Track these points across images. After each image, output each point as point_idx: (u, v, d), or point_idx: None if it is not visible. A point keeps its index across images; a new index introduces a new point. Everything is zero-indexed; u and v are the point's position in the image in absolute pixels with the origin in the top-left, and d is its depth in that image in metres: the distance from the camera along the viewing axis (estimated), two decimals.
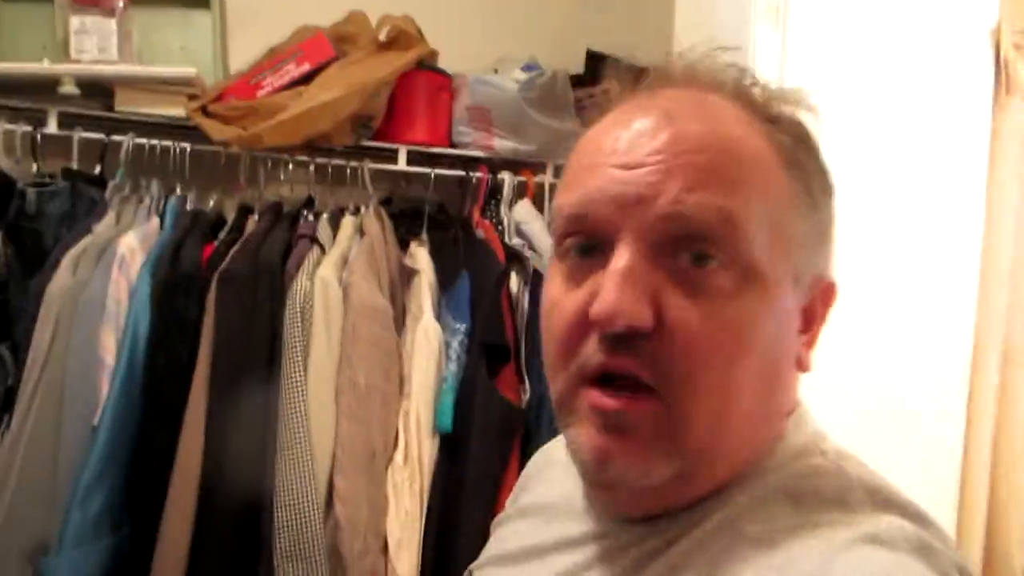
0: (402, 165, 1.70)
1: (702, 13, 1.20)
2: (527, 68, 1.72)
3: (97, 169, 1.53)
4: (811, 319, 0.51)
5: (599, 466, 0.46)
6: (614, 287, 0.44)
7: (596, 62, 1.92)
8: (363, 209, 1.65)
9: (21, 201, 1.39)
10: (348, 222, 1.61)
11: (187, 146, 1.55)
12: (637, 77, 0.52)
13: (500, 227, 1.72)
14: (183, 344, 1.38)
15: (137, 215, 1.50)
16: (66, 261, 1.34)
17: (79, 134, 1.51)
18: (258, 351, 1.40)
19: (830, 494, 0.47)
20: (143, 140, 1.54)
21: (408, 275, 1.62)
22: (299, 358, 1.41)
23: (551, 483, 0.63)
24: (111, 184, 1.51)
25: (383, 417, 1.47)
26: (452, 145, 1.75)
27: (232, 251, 1.46)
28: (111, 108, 1.54)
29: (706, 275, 0.45)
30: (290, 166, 1.63)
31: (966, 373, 1.29)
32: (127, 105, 1.53)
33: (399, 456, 1.48)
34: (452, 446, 1.50)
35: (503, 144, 1.71)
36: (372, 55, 1.58)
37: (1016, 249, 1.27)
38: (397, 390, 1.50)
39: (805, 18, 1.09)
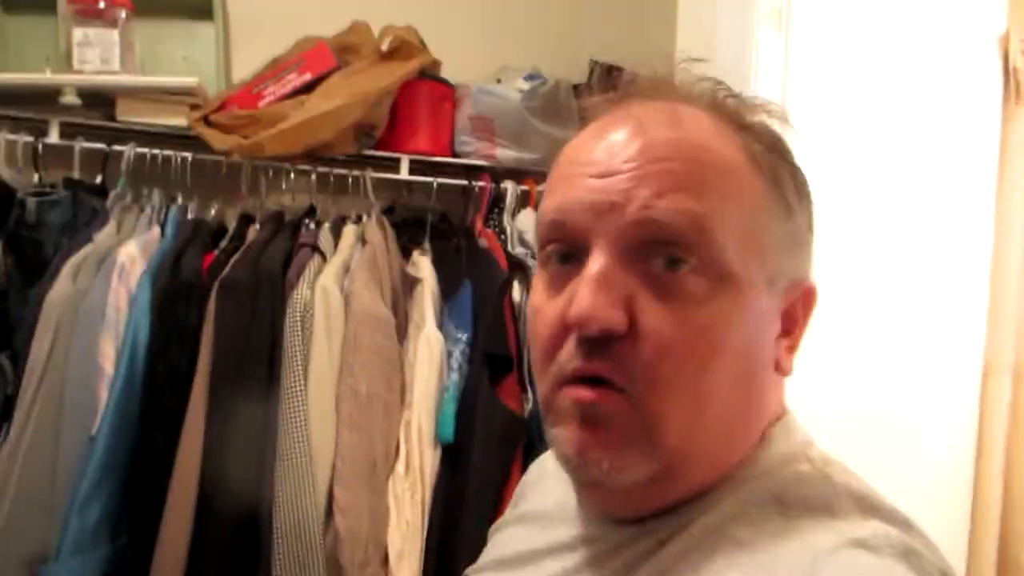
0: (404, 174, 1.69)
1: (704, 19, 1.19)
2: (530, 77, 1.72)
3: (99, 179, 1.53)
4: (791, 323, 0.52)
5: (578, 458, 0.47)
6: (588, 292, 0.45)
7: (599, 71, 1.92)
8: (365, 218, 1.64)
9: (21, 210, 1.39)
10: (350, 231, 1.61)
11: (188, 155, 1.55)
12: (616, 90, 0.54)
13: (503, 236, 1.72)
14: (183, 353, 1.37)
15: (138, 224, 1.49)
16: (66, 270, 1.34)
17: (81, 144, 1.51)
18: (258, 360, 1.40)
19: (816, 500, 0.47)
20: (144, 150, 1.54)
21: (410, 284, 1.61)
22: (299, 367, 1.40)
23: (546, 492, 0.64)
24: (112, 193, 1.51)
25: (384, 427, 1.45)
26: (454, 154, 1.75)
27: (233, 259, 1.46)
28: (113, 118, 1.54)
29: (678, 279, 0.46)
30: (292, 175, 1.62)
31: (977, 386, 1.27)
32: (128, 115, 1.53)
33: (400, 466, 1.47)
34: (453, 456, 1.48)
35: (505, 153, 1.70)
36: (374, 65, 1.58)
37: None
38: (399, 399, 1.49)
39: (808, 23, 1.08)
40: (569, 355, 0.47)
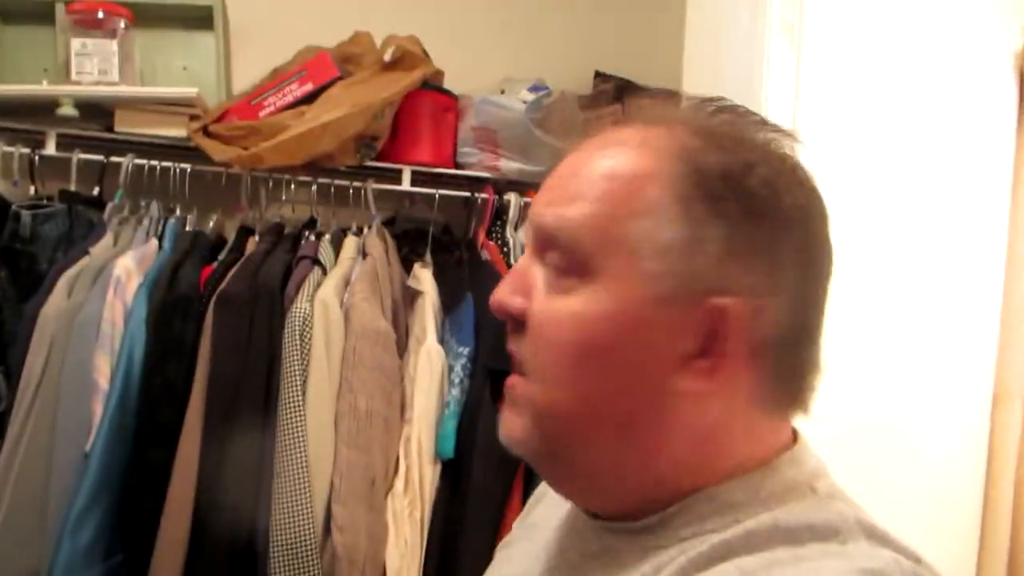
0: (406, 185, 1.67)
1: (714, 31, 1.17)
2: (534, 88, 1.70)
3: (96, 191, 1.52)
4: (710, 343, 0.47)
5: (503, 438, 0.53)
6: (503, 282, 0.53)
7: (604, 83, 1.90)
8: (366, 230, 1.62)
9: (15, 224, 1.37)
10: (350, 243, 1.59)
11: (187, 167, 1.53)
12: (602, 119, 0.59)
13: (505, 248, 1.69)
14: (179, 368, 1.35)
15: (136, 236, 1.48)
16: (61, 283, 1.32)
17: (78, 156, 1.49)
18: (256, 375, 1.37)
19: (825, 529, 0.46)
20: (143, 161, 1.52)
21: (412, 297, 1.59)
22: (298, 382, 1.38)
23: (554, 503, 0.64)
24: (110, 206, 1.49)
25: (384, 443, 1.43)
26: (457, 166, 1.73)
27: (231, 272, 1.44)
28: (111, 129, 1.53)
29: (556, 275, 0.51)
30: (292, 186, 1.60)
31: (987, 412, 1.24)
32: (126, 126, 1.51)
33: (399, 483, 1.44)
34: (454, 473, 1.46)
35: (509, 165, 1.68)
36: (377, 75, 1.56)
37: None
38: (399, 415, 1.47)
39: (821, 36, 1.05)
40: None
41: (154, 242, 1.47)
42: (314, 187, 1.62)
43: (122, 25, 1.51)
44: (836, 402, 1.07)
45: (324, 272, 1.52)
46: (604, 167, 0.50)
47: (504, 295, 0.52)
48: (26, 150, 1.47)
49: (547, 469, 0.54)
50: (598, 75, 1.92)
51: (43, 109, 1.47)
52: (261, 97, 1.55)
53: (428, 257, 1.66)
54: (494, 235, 1.72)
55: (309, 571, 1.31)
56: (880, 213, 1.17)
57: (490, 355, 1.49)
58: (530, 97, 1.67)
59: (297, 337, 1.39)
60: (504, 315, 0.52)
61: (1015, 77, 1.21)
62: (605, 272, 0.48)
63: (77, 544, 1.23)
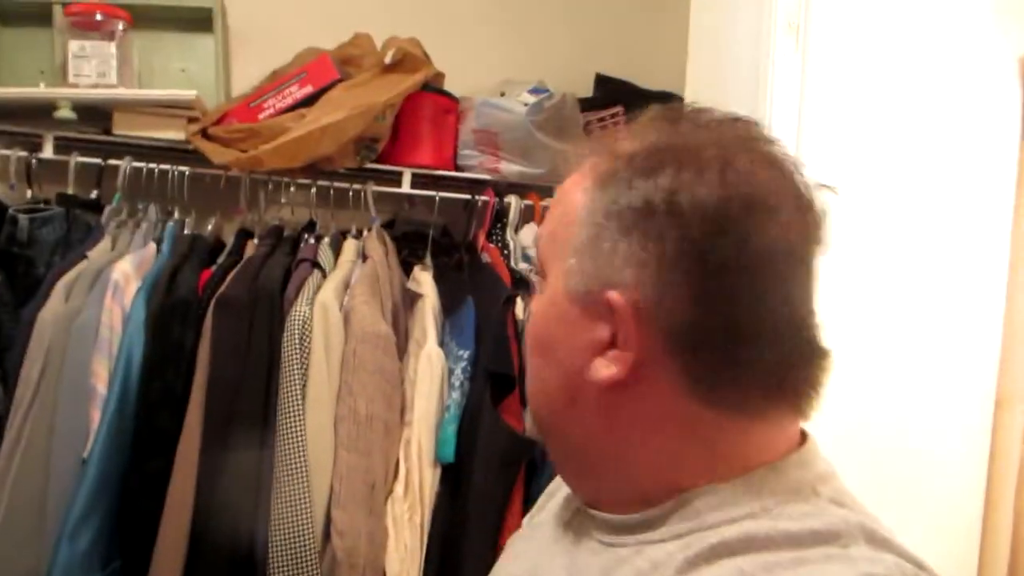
0: (406, 188, 1.67)
1: (718, 32, 1.16)
2: (535, 91, 1.69)
3: (94, 194, 1.51)
4: (616, 333, 0.51)
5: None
6: None
7: (605, 85, 1.89)
8: (365, 232, 1.61)
9: (12, 227, 1.36)
10: (350, 245, 1.58)
11: (186, 169, 1.52)
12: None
13: (506, 251, 1.68)
14: (178, 373, 1.34)
15: (134, 240, 1.47)
16: (59, 288, 1.31)
17: (76, 159, 1.48)
18: (255, 379, 1.36)
19: (825, 532, 0.47)
20: (141, 164, 1.51)
21: (411, 299, 1.58)
22: (297, 387, 1.37)
23: (560, 498, 0.66)
24: (108, 209, 1.48)
25: (384, 447, 1.42)
26: (457, 168, 1.72)
27: (230, 276, 1.43)
28: (108, 132, 1.52)
29: (539, 282, 0.60)
30: (292, 189, 1.59)
31: (989, 415, 1.24)
32: (125, 129, 1.50)
33: (399, 487, 1.43)
34: (454, 476, 1.45)
35: (510, 168, 1.67)
36: (377, 77, 1.55)
37: None
38: (399, 418, 1.46)
39: (826, 37, 1.05)
40: None
41: (152, 246, 1.46)
42: (313, 189, 1.61)
43: (120, 27, 1.50)
44: (839, 404, 1.07)
45: (324, 275, 1.51)
46: (563, 192, 0.57)
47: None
48: (23, 153, 1.46)
49: (551, 455, 0.61)
50: (599, 78, 1.92)
51: (40, 111, 1.46)
52: (261, 99, 1.54)
53: (428, 260, 1.65)
54: (494, 238, 1.71)
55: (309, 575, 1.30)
56: (884, 216, 1.16)
57: (491, 358, 1.48)
58: (531, 99, 1.66)
59: (297, 340, 1.38)
60: None
61: (1019, 82, 1.20)
62: (549, 274, 0.56)
63: (75, 550, 1.22)
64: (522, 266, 1.65)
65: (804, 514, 0.48)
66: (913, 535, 0.49)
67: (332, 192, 1.62)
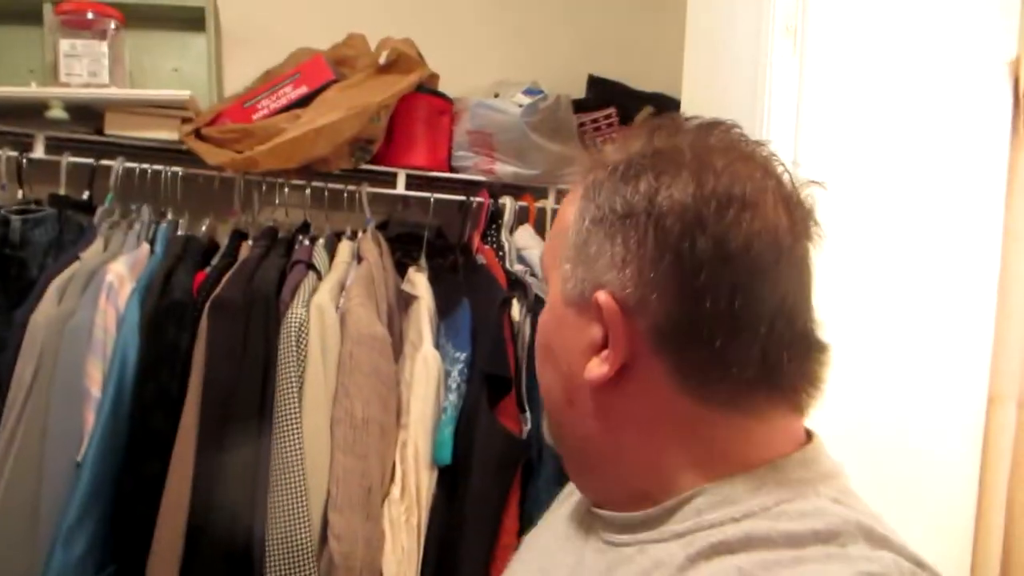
0: (401, 189, 1.66)
1: (715, 35, 1.17)
2: (529, 92, 1.70)
3: (86, 195, 1.49)
4: (607, 333, 0.53)
5: None
6: None
7: (598, 86, 1.90)
8: (360, 233, 1.61)
9: (5, 229, 1.34)
10: (345, 247, 1.57)
11: (179, 170, 1.51)
12: None
13: (501, 253, 1.68)
14: (173, 375, 1.33)
15: (127, 241, 1.45)
16: (51, 290, 1.29)
17: (67, 159, 1.46)
18: (251, 382, 1.35)
19: (824, 531, 0.47)
20: (133, 164, 1.50)
21: (406, 301, 1.57)
22: (293, 389, 1.36)
23: (573, 498, 0.68)
24: (100, 210, 1.46)
25: (381, 450, 1.41)
26: (452, 169, 1.72)
27: (225, 277, 1.42)
28: (100, 132, 1.50)
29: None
30: (286, 190, 1.59)
31: (982, 412, 1.25)
32: (117, 129, 1.49)
33: (396, 490, 1.43)
34: (450, 479, 1.45)
35: (504, 169, 1.67)
36: (372, 78, 1.55)
37: None
38: (395, 421, 1.45)
39: (823, 40, 1.06)
40: None
41: (146, 247, 1.44)
42: (308, 191, 1.60)
43: (112, 26, 1.49)
44: (832, 403, 1.08)
45: (319, 277, 1.50)
46: (560, 208, 0.60)
47: None
48: (14, 153, 1.44)
49: (562, 458, 0.62)
50: (591, 79, 1.92)
51: (31, 111, 1.44)
52: (255, 100, 1.53)
53: (423, 261, 1.64)
54: (489, 239, 1.71)
55: None
56: (878, 216, 1.18)
57: (487, 360, 1.48)
58: (525, 100, 1.66)
59: (293, 343, 1.37)
60: None
61: (1010, 84, 1.22)
62: (550, 283, 0.59)
63: (69, 556, 1.20)
64: (517, 267, 1.65)
65: (803, 513, 0.49)
66: (907, 534, 0.50)
67: (327, 193, 1.62)
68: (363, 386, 1.40)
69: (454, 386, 1.48)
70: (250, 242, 1.54)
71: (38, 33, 1.51)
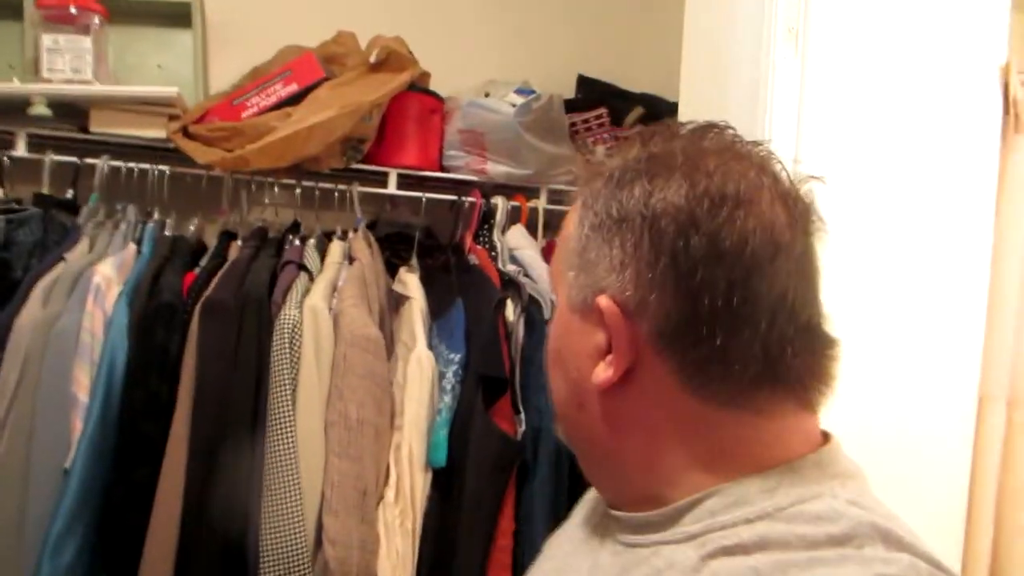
0: (392, 188, 1.64)
1: (715, 37, 1.17)
2: (521, 91, 1.69)
3: (70, 194, 1.45)
4: (610, 337, 0.54)
5: None
6: None
7: (588, 87, 1.90)
8: (351, 234, 1.58)
9: None
10: (336, 247, 1.55)
11: (166, 169, 1.47)
12: None
13: (493, 253, 1.67)
14: (163, 379, 1.30)
15: (112, 242, 1.42)
16: (36, 292, 1.26)
17: (50, 157, 1.42)
18: (243, 385, 1.33)
19: (839, 533, 0.47)
20: (119, 163, 1.46)
21: (397, 302, 1.56)
22: (287, 392, 1.34)
23: (591, 501, 0.68)
24: (85, 209, 1.42)
25: (375, 452, 1.40)
26: (443, 169, 1.70)
27: (216, 279, 1.39)
28: (84, 129, 1.46)
29: None
30: (275, 189, 1.56)
31: (972, 413, 1.27)
32: (102, 126, 1.45)
33: (390, 493, 1.41)
34: (445, 481, 1.43)
35: (496, 168, 1.66)
36: (363, 76, 1.52)
37: (1023, 285, 1.26)
38: (389, 423, 1.44)
39: (825, 43, 1.06)
40: None
41: (132, 247, 1.41)
42: (298, 190, 1.58)
43: (96, 21, 1.45)
44: (824, 404, 1.09)
45: (310, 277, 1.48)
46: (565, 220, 0.61)
47: None
48: None
49: (578, 459, 0.62)
50: (581, 79, 1.92)
51: (12, 108, 1.40)
52: (244, 97, 1.50)
53: (414, 261, 1.63)
54: (481, 239, 1.70)
55: None
56: (872, 217, 1.19)
57: (482, 361, 1.47)
58: (518, 100, 1.65)
59: (286, 345, 1.35)
60: None
61: (1000, 88, 1.24)
62: (557, 292, 0.60)
63: (58, 566, 1.17)
64: (510, 268, 1.64)
65: (819, 515, 0.49)
66: None
67: (317, 193, 1.59)
68: (357, 388, 1.39)
69: (448, 387, 1.46)
70: (239, 242, 1.51)
71: (18, 27, 1.46)
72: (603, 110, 1.78)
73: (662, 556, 0.52)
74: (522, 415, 1.52)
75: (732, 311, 0.50)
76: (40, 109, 1.38)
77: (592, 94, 1.86)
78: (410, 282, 1.57)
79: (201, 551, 1.26)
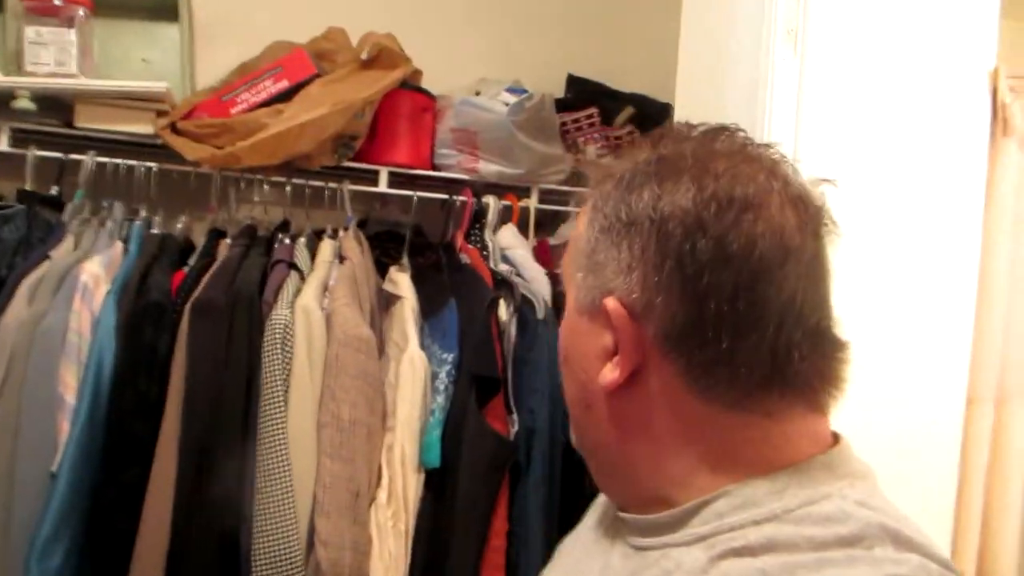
0: (383, 187, 1.63)
1: (713, 37, 1.17)
2: (512, 90, 1.68)
3: (54, 190, 1.41)
4: (617, 339, 0.54)
5: None
6: None
7: (577, 86, 1.90)
8: (341, 232, 1.57)
9: None
10: (327, 246, 1.53)
11: (153, 165, 1.45)
12: None
13: (485, 252, 1.66)
14: (152, 380, 1.28)
15: (98, 240, 1.38)
16: (22, 290, 1.23)
17: (34, 152, 1.39)
18: (235, 386, 1.31)
19: (847, 534, 0.47)
20: (104, 159, 1.43)
21: (387, 301, 1.54)
22: (279, 393, 1.32)
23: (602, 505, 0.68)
24: (70, 206, 1.39)
25: (367, 453, 1.38)
26: (434, 167, 1.69)
27: (205, 278, 1.37)
28: (69, 124, 1.43)
29: None
30: (265, 186, 1.54)
31: (961, 414, 1.29)
32: (88, 121, 1.41)
33: (382, 494, 1.40)
34: (438, 482, 1.43)
35: (488, 168, 1.65)
36: (355, 73, 1.51)
37: (1011, 288, 1.28)
38: (381, 424, 1.43)
39: (824, 43, 1.07)
40: None
41: (119, 245, 1.38)
42: (288, 188, 1.56)
43: (81, 13, 1.41)
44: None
45: (301, 276, 1.46)
46: (576, 222, 0.61)
47: None
48: None
49: (587, 462, 0.63)
50: (570, 79, 1.92)
51: None
52: (233, 93, 1.48)
53: (405, 260, 1.61)
54: (472, 238, 1.69)
55: None
56: (864, 218, 1.20)
57: (475, 361, 1.47)
58: (510, 99, 1.64)
59: (278, 345, 1.33)
60: None
61: (989, 92, 1.26)
62: (568, 294, 0.60)
63: (45, 571, 1.15)
64: (502, 267, 1.63)
65: (828, 517, 0.49)
66: None
67: (307, 190, 1.57)
68: (349, 389, 1.37)
69: (441, 388, 1.45)
70: (228, 241, 1.49)
71: (0, 19, 1.42)
72: (594, 110, 1.78)
73: (671, 558, 0.52)
74: (515, 415, 1.51)
75: (738, 315, 0.50)
76: (24, 103, 1.35)
77: (582, 94, 1.85)
78: (401, 281, 1.56)
79: (192, 554, 1.24)
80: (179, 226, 1.52)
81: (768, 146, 0.56)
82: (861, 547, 0.47)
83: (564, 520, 1.54)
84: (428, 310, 1.54)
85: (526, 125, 1.60)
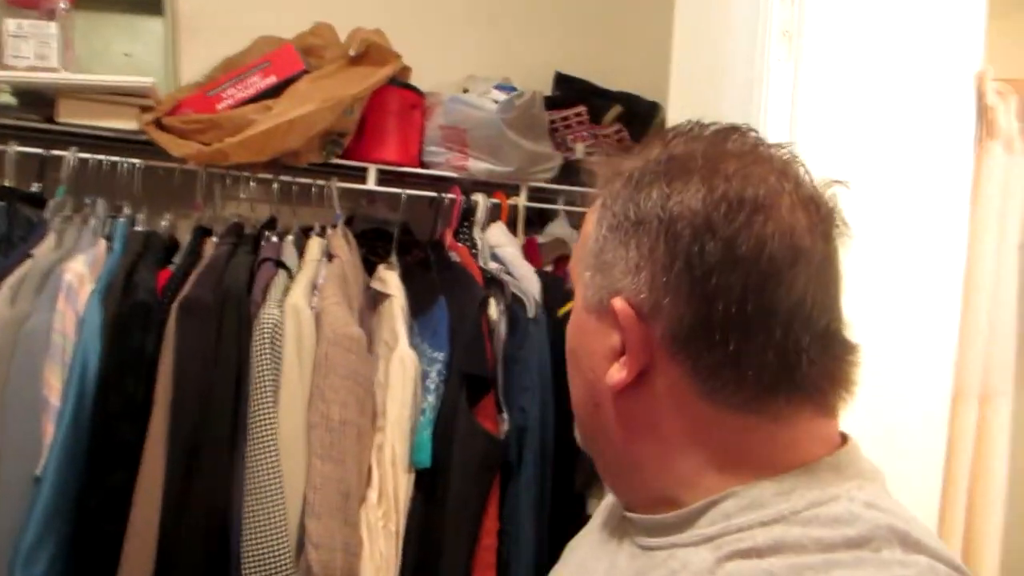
0: (371, 184, 1.61)
1: (707, 37, 1.17)
2: (502, 88, 1.67)
3: (35, 187, 1.38)
4: (624, 339, 0.54)
5: None
6: None
7: (565, 84, 1.89)
8: (329, 230, 1.55)
9: None
10: (315, 244, 1.51)
11: (137, 162, 1.42)
12: None
13: (474, 250, 1.65)
14: (138, 381, 1.26)
15: (81, 237, 1.35)
16: (3, 290, 1.20)
17: (14, 148, 1.35)
18: (223, 386, 1.29)
19: (855, 535, 0.47)
20: (87, 155, 1.40)
21: (376, 300, 1.53)
22: (269, 393, 1.30)
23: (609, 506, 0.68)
24: (51, 203, 1.36)
25: (357, 453, 1.37)
26: (423, 165, 1.68)
27: (192, 276, 1.34)
28: (51, 119, 1.39)
29: None
30: (251, 184, 1.51)
31: (946, 410, 1.31)
32: (71, 117, 1.38)
33: (373, 494, 1.39)
34: (429, 481, 1.42)
35: (478, 165, 1.65)
36: (343, 69, 1.49)
37: (995, 287, 1.30)
38: (371, 424, 1.41)
39: (819, 45, 1.08)
40: None
41: (103, 243, 1.35)
42: (275, 185, 1.53)
43: (62, 5, 1.38)
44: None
45: (289, 275, 1.44)
46: (584, 220, 0.61)
47: None
48: None
49: (594, 461, 0.62)
50: (558, 76, 1.91)
51: None
52: (219, 88, 1.45)
53: (394, 259, 1.60)
54: (462, 236, 1.68)
55: None
56: (852, 218, 1.21)
57: (465, 360, 1.46)
58: (500, 96, 1.63)
59: (268, 345, 1.31)
60: None
61: (975, 94, 1.28)
62: (576, 293, 0.60)
63: None
64: (492, 265, 1.62)
65: (835, 518, 0.49)
66: None
67: (294, 188, 1.55)
68: (339, 388, 1.36)
69: (432, 387, 1.45)
70: (215, 239, 1.47)
71: None
72: (582, 108, 1.77)
73: (678, 558, 0.52)
74: (505, 414, 1.51)
75: (746, 317, 0.49)
76: (5, 97, 1.32)
77: (570, 91, 1.85)
78: (390, 280, 1.55)
79: (181, 558, 1.22)
80: (164, 224, 1.49)
81: (780, 146, 0.56)
82: (869, 549, 0.46)
83: (555, 519, 1.54)
84: (417, 308, 1.53)
85: (516, 123, 1.60)
